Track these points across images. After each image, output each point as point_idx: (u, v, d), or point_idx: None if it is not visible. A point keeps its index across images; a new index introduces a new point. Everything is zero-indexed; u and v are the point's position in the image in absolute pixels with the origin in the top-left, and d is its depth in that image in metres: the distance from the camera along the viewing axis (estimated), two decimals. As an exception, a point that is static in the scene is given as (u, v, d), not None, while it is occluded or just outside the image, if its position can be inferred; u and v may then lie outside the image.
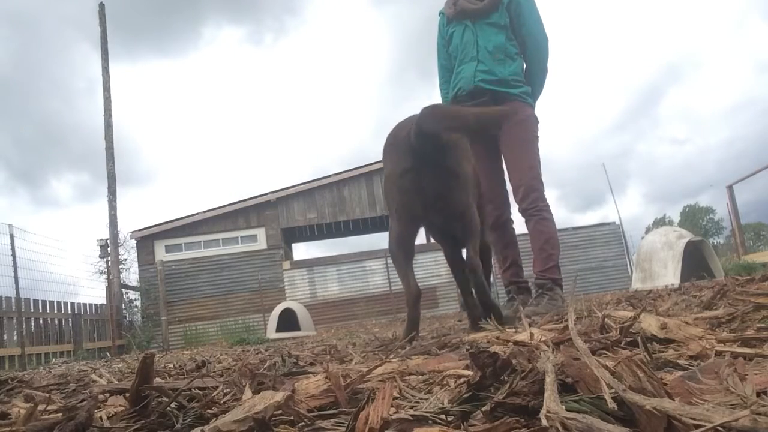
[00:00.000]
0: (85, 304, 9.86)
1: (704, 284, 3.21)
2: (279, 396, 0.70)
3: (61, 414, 0.84)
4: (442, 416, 0.65)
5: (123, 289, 12.29)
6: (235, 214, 15.54)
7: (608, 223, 15.77)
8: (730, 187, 11.51)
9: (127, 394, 0.88)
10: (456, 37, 3.38)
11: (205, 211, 15.43)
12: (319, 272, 14.71)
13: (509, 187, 3.36)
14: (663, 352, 0.94)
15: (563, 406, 0.53)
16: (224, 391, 0.95)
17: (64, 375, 2.19)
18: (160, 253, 15.04)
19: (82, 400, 1.03)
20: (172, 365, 2.06)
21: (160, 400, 0.83)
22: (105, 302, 10.65)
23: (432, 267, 13.86)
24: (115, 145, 12.05)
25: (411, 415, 0.64)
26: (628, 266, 14.47)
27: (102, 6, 12.50)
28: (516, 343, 1.13)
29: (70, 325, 9.14)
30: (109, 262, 11.63)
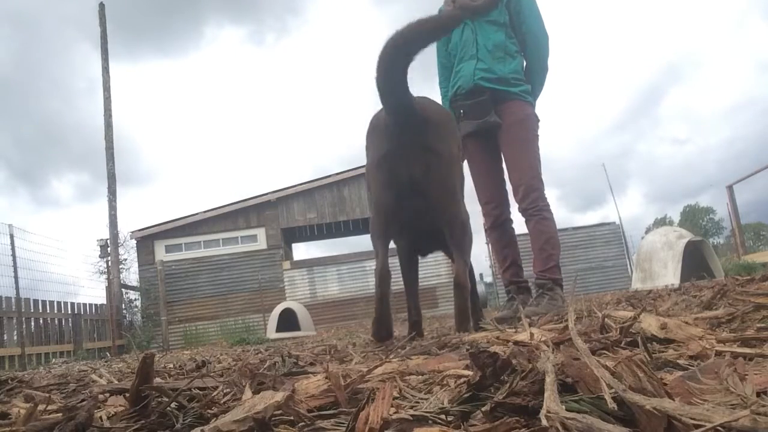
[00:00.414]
0: (85, 304, 9.86)
1: (704, 284, 3.21)
2: (279, 396, 0.70)
3: (61, 414, 0.84)
4: (442, 416, 0.65)
5: (123, 289, 12.29)
6: (235, 214, 15.54)
7: (608, 223, 15.78)
8: (730, 187, 11.51)
9: (127, 394, 0.88)
10: (455, 35, 3.37)
11: (205, 211, 15.43)
12: (319, 272, 14.72)
13: (509, 187, 3.36)
14: (663, 352, 0.94)
15: (563, 406, 0.53)
16: (224, 391, 0.95)
17: (64, 375, 2.19)
18: (160, 253, 15.04)
19: (82, 400, 1.03)
20: (172, 365, 2.06)
21: (160, 400, 0.83)
22: (105, 302, 10.65)
23: (432, 267, 13.86)
24: (116, 145, 12.06)
25: (411, 415, 0.64)
26: (628, 266, 14.48)
27: (102, 6, 12.50)
28: (516, 343, 1.13)
29: (70, 325, 9.14)
30: (109, 262, 11.63)
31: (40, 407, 0.85)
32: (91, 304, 10.12)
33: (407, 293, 2.40)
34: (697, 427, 0.45)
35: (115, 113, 12.20)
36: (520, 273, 3.42)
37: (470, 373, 0.80)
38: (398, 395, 0.82)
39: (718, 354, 0.84)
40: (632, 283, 8.05)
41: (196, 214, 15.42)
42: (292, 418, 0.71)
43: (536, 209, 3.17)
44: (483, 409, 0.61)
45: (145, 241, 15.19)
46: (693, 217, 58.13)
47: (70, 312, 9.24)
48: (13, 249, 7.97)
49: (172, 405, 0.81)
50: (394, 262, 2.11)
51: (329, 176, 15.79)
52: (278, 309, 8.24)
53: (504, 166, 3.36)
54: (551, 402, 0.53)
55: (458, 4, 3.32)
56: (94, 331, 10.03)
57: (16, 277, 7.93)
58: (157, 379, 1.08)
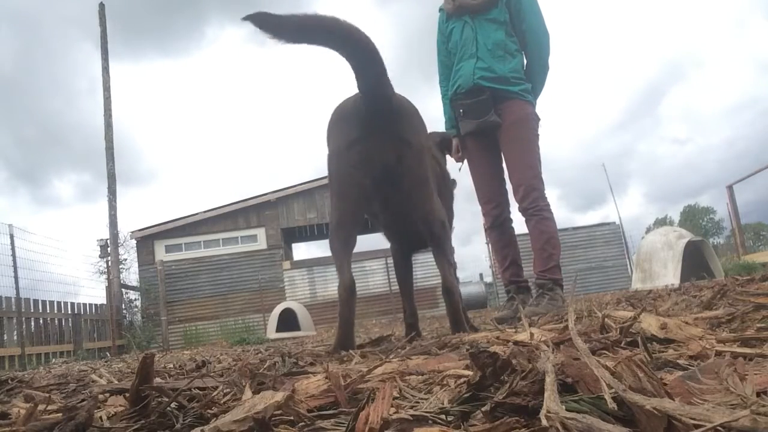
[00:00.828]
0: (85, 304, 9.86)
1: (704, 284, 3.21)
2: (279, 396, 0.70)
3: (61, 414, 0.84)
4: (442, 416, 0.65)
5: (123, 289, 12.28)
6: (235, 214, 15.55)
7: (608, 223, 15.79)
8: (730, 187, 11.51)
9: (127, 394, 0.88)
10: (455, 34, 3.36)
11: (205, 211, 15.44)
12: (319, 272, 14.72)
13: (509, 186, 3.35)
14: (663, 352, 0.94)
15: (563, 406, 0.53)
16: (224, 391, 0.95)
17: (64, 375, 2.19)
18: (160, 253, 15.05)
19: (82, 400, 1.03)
20: (172, 365, 2.06)
21: (160, 400, 0.82)
22: (105, 302, 10.64)
23: (432, 267, 13.83)
24: (117, 145, 12.06)
25: (411, 415, 0.64)
26: (628, 266, 14.49)
27: (102, 6, 12.50)
28: (516, 343, 1.13)
29: (70, 325, 9.13)
30: (109, 262, 11.62)
31: (40, 407, 0.85)
32: (91, 304, 10.11)
33: (402, 294, 2.40)
34: (697, 427, 0.45)
35: (116, 113, 12.21)
36: (520, 272, 3.42)
37: (470, 373, 0.80)
38: (398, 395, 0.82)
39: (718, 354, 0.84)
40: (632, 283, 8.05)
41: (196, 214, 15.43)
42: (292, 418, 0.71)
43: (536, 209, 3.17)
44: (483, 409, 0.61)
45: (145, 241, 15.20)
46: (693, 217, 58.15)
47: (70, 312, 9.24)
48: (13, 249, 7.97)
49: (172, 405, 0.81)
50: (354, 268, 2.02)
51: (329, 176, 15.76)
52: (278, 309, 8.25)
53: (504, 165, 3.36)
54: (551, 402, 0.53)
55: (458, 3, 3.32)
56: (94, 331, 10.03)
57: (16, 277, 7.93)
58: (157, 379, 1.08)
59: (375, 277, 14.65)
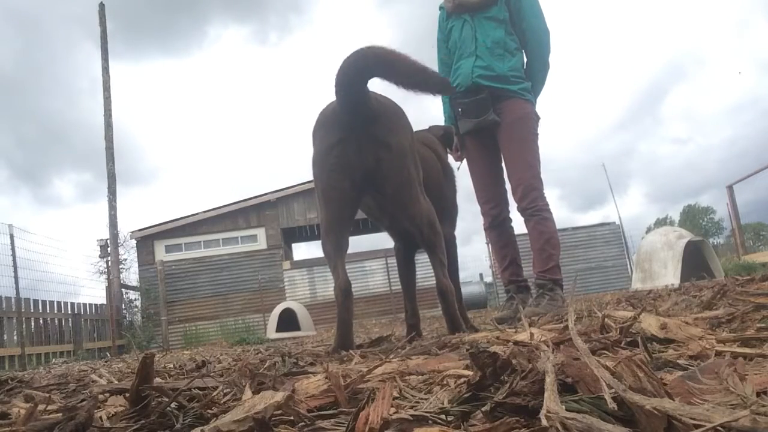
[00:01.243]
0: (85, 304, 9.86)
1: (704, 284, 3.21)
2: (279, 396, 0.70)
3: (61, 414, 0.84)
4: (442, 416, 0.65)
5: (123, 289, 12.29)
6: (235, 214, 15.54)
7: (608, 223, 15.78)
8: (730, 187, 11.51)
9: (127, 394, 0.88)
10: (455, 32, 3.34)
11: (205, 211, 15.43)
12: (319, 272, 14.71)
13: (508, 186, 3.34)
14: (663, 352, 0.94)
15: (563, 406, 0.53)
16: (224, 391, 0.95)
17: (64, 375, 2.19)
18: (160, 253, 15.05)
19: (82, 400, 1.03)
20: (172, 365, 2.06)
21: (160, 400, 0.82)
22: (105, 302, 10.65)
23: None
24: (117, 144, 12.07)
25: (411, 415, 0.64)
26: (628, 266, 14.48)
27: (102, 6, 12.50)
28: (516, 343, 1.13)
29: (70, 325, 9.13)
30: (109, 262, 11.63)
31: (40, 407, 0.85)
32: (91, 304, 10.12)
33: (404, 295, 2.40)
34: (697, 427, 0.45)
35: (116, 113, 12.22)
36: (520, 272, 3.41)
37: (470, 373, 0.80)
38: (398, 395, 0.82)
39: (718, 354, 0.84)
40: (632, 283, 8.05)
41: (196, 214, 15.43)
42: (292, 418, 0.71)
43: (536, 209, 3.16)
44: (483, 409, 0.61)
45: (145, 241, 15.19)
46: (693, 217, 58.15)
47: (70, 312, 9.24)
48: (13, 249, 7.98)
49: (172, 405, 0.81)
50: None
51: (329, 176, 15.75)
52: (278, 309, 8.25)
53: (503, 165, 3.35)
54: (551, 402, 0.53)
55: (458, 1, 3.31)
56: (94, 331, 10.03)
57: (16, 277, 7.93)
58: (157, 379, 1.08)
59: (375, 277, 14.65)
